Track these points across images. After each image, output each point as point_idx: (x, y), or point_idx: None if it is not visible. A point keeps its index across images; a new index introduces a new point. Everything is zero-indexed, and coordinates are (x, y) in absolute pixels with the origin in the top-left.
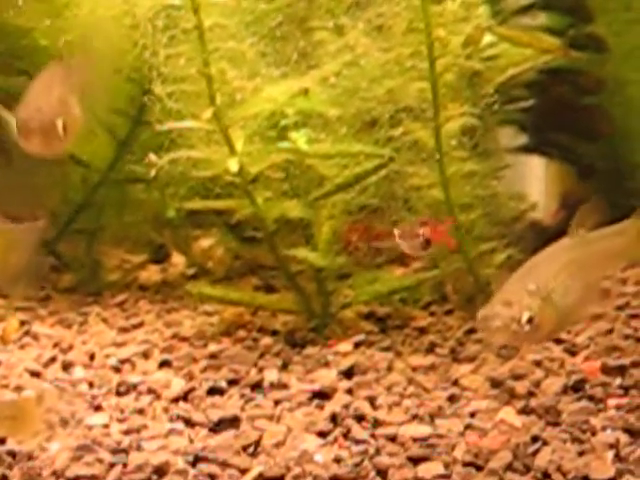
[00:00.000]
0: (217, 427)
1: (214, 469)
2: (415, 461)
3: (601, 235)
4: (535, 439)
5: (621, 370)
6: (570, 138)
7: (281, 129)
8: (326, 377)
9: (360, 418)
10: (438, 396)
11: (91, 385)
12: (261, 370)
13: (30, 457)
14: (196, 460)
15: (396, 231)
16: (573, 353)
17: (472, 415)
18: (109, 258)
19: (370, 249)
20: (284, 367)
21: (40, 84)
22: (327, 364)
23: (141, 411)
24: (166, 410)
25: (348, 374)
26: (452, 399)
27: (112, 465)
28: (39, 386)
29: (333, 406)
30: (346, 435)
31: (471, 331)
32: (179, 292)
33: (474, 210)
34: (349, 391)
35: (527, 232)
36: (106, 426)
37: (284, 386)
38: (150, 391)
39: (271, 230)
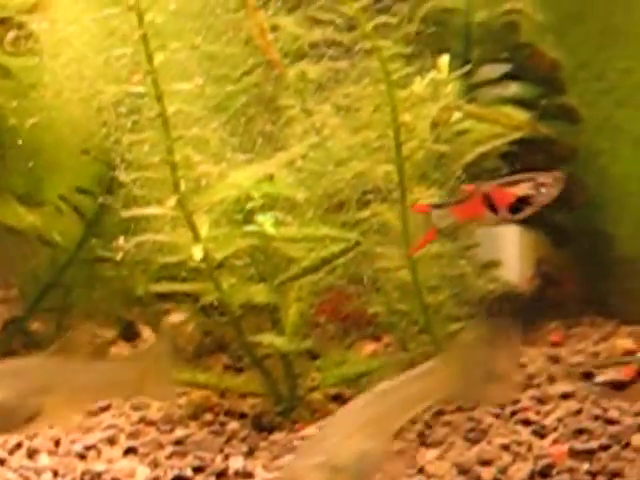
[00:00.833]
0: None
1: None
2: None
3: (405, 380)
4: None
5: (589, 454)
6: (544, 206)
7: (247, 212)
8: None
9: None
10: None
11: (55, 474)
12: (227, 457)
13: None
14: None
15: None
16: (542, 435)
17: None
18: (80, 335)
19: (339, 329)
20: (250, 453)
21: None
22: (294, 450)
23: None
24: None
25: None
26: None
27: None
28: (3, 476)
29: None
30: None
31: (439, 413)
32: None
33: (442, 291)
34: None
35: (502, 300)
36: None
37: (249, 475)
38: None
39: (237, 315)
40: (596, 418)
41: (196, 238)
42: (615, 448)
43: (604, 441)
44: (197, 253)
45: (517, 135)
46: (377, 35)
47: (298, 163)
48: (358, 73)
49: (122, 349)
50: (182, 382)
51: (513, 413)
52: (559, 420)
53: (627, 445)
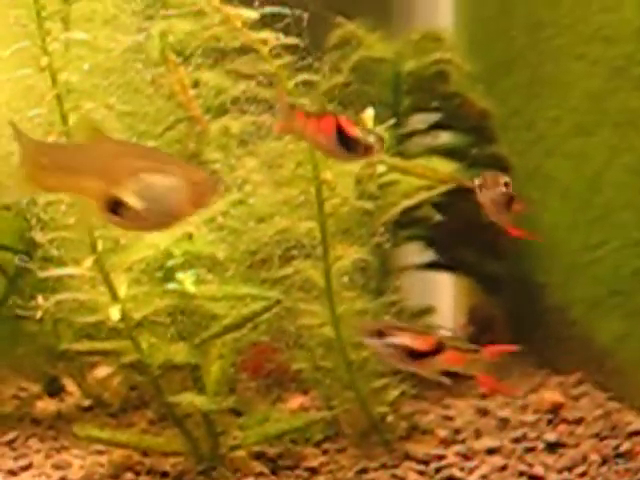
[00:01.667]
0: None
1: None
2: None
3: None
4: None
5: None
6: (476, 255)
7: (168, 270)
8: None
9: None
10: None
11: None
12: None
13: None
14: None
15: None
16: None
17: None
18: (6, 387)
19: (262, 385)
20: None
21: None
22: None
23: None
24: None
25: None
26: None
27: None
28: None
29: None
30: None
31: (363, 471)
32: (72, 427)
33: (366, 347)
34: None
35: None
36: None
37: None
38: None
39: (156, 375)
40: (521, 474)
41: (114, 298)
42: None
43: None
44: (114, 313)
45: (443, 188)
46: (297, 92)
47: (219, 220)
48: None
49: (47, 404)
50: (103, 441)
51: (437, 470)
52: (483, 477)
53: None
